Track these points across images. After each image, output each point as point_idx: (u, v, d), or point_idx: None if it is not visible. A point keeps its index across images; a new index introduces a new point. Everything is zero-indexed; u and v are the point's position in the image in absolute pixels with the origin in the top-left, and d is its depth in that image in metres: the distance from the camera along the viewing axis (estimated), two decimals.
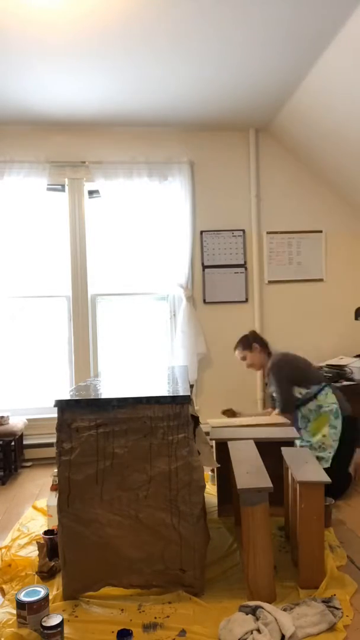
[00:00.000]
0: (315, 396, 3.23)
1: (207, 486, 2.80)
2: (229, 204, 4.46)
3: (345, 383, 3.86)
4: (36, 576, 2.23)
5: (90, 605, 2.02)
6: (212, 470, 3.29)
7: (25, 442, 4.14)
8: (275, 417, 3.29)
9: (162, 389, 2.27)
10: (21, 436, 4.08)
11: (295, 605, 1.94)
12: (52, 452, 2.22)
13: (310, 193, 4.54)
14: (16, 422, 3.89)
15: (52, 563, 2.26)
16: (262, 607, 1.86)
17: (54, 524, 2.39)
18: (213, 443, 2.89)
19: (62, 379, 4.37)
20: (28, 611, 1.85)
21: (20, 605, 1.86)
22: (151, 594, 2.07)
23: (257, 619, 1.82)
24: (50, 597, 2.02)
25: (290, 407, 3.24)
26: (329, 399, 3.21)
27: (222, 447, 2.82)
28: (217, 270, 4.45)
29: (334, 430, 3.12)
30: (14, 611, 1.92)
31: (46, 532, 2.41)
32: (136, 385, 2.49)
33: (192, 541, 2.06)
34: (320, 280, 4.56)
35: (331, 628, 1.83)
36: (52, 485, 2.75)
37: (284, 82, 3.58)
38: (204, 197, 4.43)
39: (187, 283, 4.35)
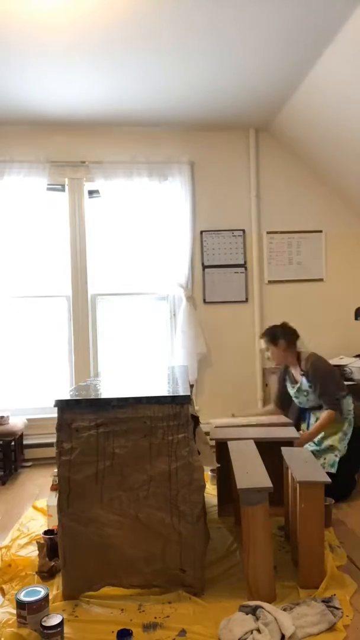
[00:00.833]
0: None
1: (207, 486, 2.80)
2: (229, 204, 4.46)
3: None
4: (36, 576, 2.23)
5: (90, 605, 2.02)
6: (212, 470, 3.28)
7: (25, 442, 4.14)
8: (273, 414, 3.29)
9: (162, 389, 2.27)
10: (21, 436, 4.08)
11: (295, 605, 1.94)
12: (52, 452, 2.22)
13: (310, 193, 4.54)
14: (16, 422, 3.89)
15: (52, 563, 2.26)
16: (262, 607, 1.86)
17: (54, 524, 2.39)
18: (213, 443, 2.89)
19: (62, 379, 4.37)
20: (28, 611, 1.85)
21: (20, 605, 1.86)
22: (151, 594, 2.07)
23: (257, 619, 1.82)
24: (50, 597, 2.02)
25: (339, 404, 3.13)
26: (349, 407, 3.20)
27: (222, 447, 2.82)
28: (217, 270, 4.44)
29: (345, 437, 3.12)
30: (14, 611, 1.92)
31: (46, 532, 2.41)
32: (136, 385, 2.49)
33: (192, 541, 2.06)
34: (320, 280, 4.56)
35: (331, 628, 1.83)
36: (52, 485, 2.75)
37: (284, 82, 3.58)
38: (204, 197, 4.42)
39: (187, 283, 4.35)
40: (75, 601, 2.05)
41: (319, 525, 2.12)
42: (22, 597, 1.88)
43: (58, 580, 2.18)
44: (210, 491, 3.12)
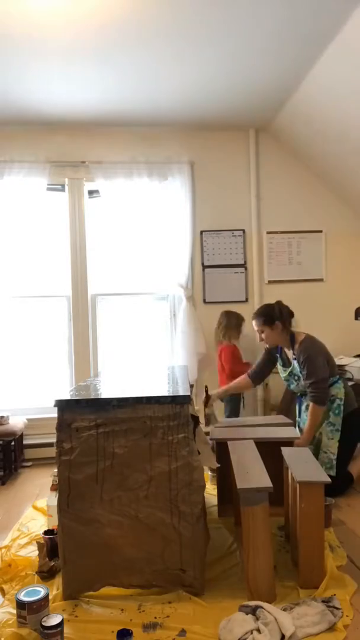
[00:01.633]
0: (330, 386, 3.13)
1: (207, 486, 2.80)
2: (229, 204, 4.46)
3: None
4: (36, 576, 2.23)
5: (90, 605, 2.02)
6: (212, 470, 3.28)
7: (25, 442, 4.14)
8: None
9: (162, 389, 2.27)
10: (21, 436, 4.08)
11: (295, 605, 1.94)
12: (52, 452, 2.22)
13: (310, 193, 4.54)
14: (16, 422, 3.89)
15: (52, 563, 2.25)
16: (262, 607, 1.86)
17: (54, 523, 2.39)
18: (213, 443, 2.89)
19: (62, 379, 4.37)
20: (28, 611, 1.85)
21: (20, 605, 1.86)
22: (151, 594, 2.07)
23: (257, 619, 1.82)
24: (50, 597, 2.02)
25: (326, 395, 3.05)
26: (337, 393, 3.12)
27: (222, 447, 2.82)
28: (217, 270, 4.45)
29: (332, 427, 3.10)
30: (14, 611, 1.92)
31: (46, 532, 2.41)
32: (136, 385, 2.49)
33: (192, 541, 2.06)
34: (320, 280, 4.57)
35: (331, 628, 1.82)
36: (52, 485, 2.75)
37: (284, 82, 3.58)
38: (204, 197, 4.43)
39: (187, 283, 4.35)
40: (75, 601, 2.05)
41: (319, 525, 2.12)
42: (22, 597, 1.88)
43: (58, 580, 2.18)
44: (210, 491, 3.12)
